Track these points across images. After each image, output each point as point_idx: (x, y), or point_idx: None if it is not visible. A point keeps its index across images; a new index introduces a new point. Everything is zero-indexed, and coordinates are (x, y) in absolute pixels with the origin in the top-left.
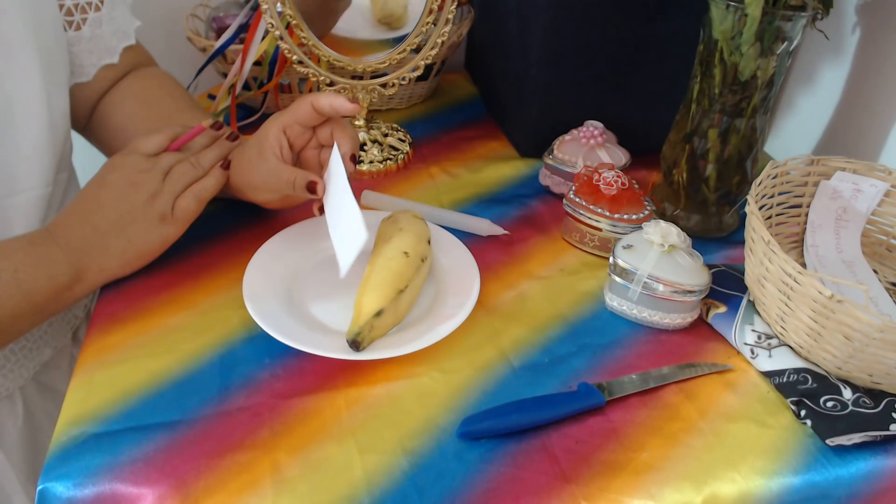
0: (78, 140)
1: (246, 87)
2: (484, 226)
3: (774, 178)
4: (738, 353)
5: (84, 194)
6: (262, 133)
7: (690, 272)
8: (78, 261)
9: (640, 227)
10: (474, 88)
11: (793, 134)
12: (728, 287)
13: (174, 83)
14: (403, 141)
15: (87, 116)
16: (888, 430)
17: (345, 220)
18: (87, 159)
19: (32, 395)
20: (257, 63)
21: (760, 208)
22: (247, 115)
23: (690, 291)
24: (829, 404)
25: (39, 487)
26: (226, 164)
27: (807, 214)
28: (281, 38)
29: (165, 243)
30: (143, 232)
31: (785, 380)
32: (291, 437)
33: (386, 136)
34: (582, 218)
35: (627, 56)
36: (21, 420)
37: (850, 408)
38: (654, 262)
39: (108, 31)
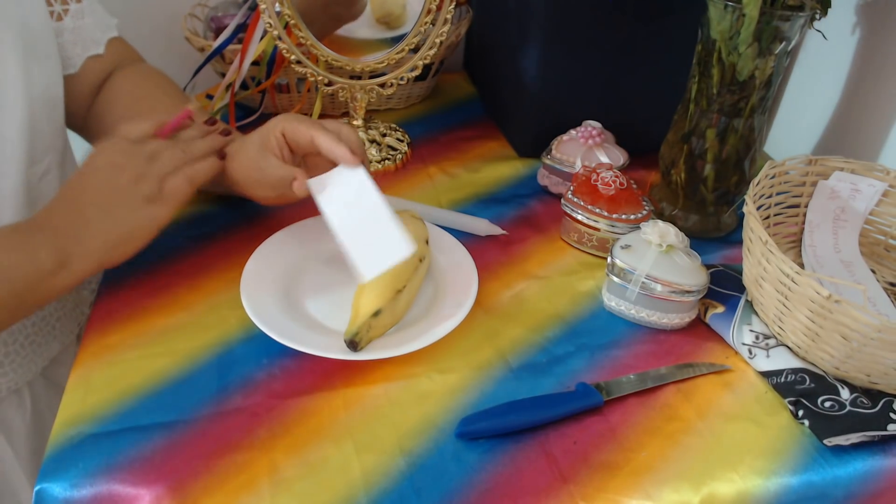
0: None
1: (244, 86)
2: (482, 226)
3: (772, 178)
4: (736, 353)
5: (69, 181)
6: (265, 130)
7: (688, 272)
8: (62, 246)
9: (639, 227)
10: (473, 88)
11: (791, 134)
12: (726, 287)
13: (165, 79)
14: (402, 141)
15: (82, 115)
16: (886, 430)
17: (372, 228)
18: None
19: (40, 391)
20: (255, 63)
21: (758, 208)
22: (245, 115)
23: (688, 291)
24: (827, 404)
25: (37, 488)
26: (221, 155)
27: (805, 214)
28: (279, 38)
29: (153, 226)
30: (129, 215)
31: (783, 380)
32: (289, 437)
33: (384, 135)
34: (580, 218)
35: (626, 56)
36: (29, 415)
37: (848, 408)
38: (652, 263)
39: (91, 22)
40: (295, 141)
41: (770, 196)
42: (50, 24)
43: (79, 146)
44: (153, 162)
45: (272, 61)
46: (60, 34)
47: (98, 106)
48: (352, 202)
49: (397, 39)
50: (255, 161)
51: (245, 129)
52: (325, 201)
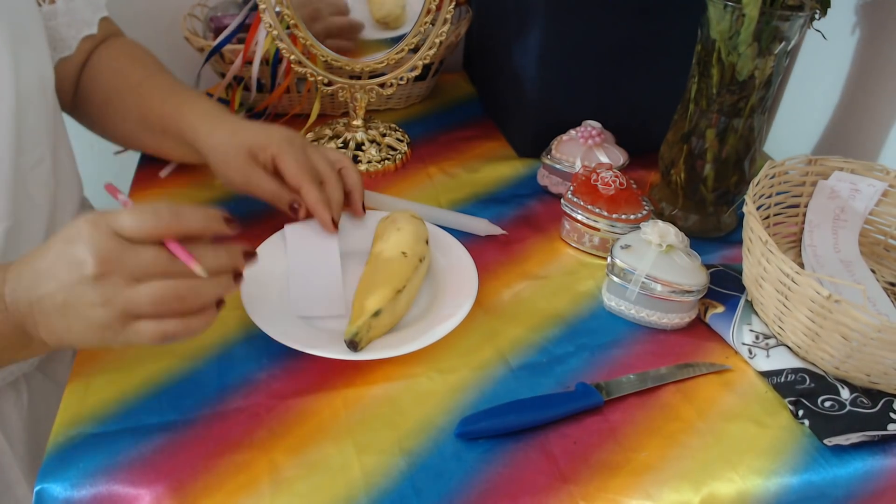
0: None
1: (253, 87)
2: (482, 225)
3: (772, 177)
4: (736, 353)
5: (43, 251)
6: (260, 144)
7: (688, 272)
8: (23, 332)
9: (639, 227)
10: (472, 88)
11: (791, 134)
12: (726, 287)
13: (143, 51)
14: (401, 141)
15: (71, 94)
16: (886, 429)
17: (321, 282)
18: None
19: (37, 387)
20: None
21: (758, 208)
22: (246, 116)
23: (688, 291)
24: (827, 404)
25: (37, 488)
26: (236, 277)
27: (804, 214)
28: (279, 39)
29: (109, 346)
30: (84, 328)
31: (783, 380)
32: (289, 437)
33: (384, 136)
34: (580, 218)
35: (625, 56)
36: (26, 411)
37: (848, 408)
38: (652, 262)
39: (82, 3)
40: (282, 174)
41: (770, 196)
42: (38, 10)
43: (74, 133)
44: (128, 287)
45: (276, 61)
46: (54, 17)
47: (82, 84)
48: (314, 254)
49: (397, 40)
50: (243, 169)
51: None
52: (291, 244)
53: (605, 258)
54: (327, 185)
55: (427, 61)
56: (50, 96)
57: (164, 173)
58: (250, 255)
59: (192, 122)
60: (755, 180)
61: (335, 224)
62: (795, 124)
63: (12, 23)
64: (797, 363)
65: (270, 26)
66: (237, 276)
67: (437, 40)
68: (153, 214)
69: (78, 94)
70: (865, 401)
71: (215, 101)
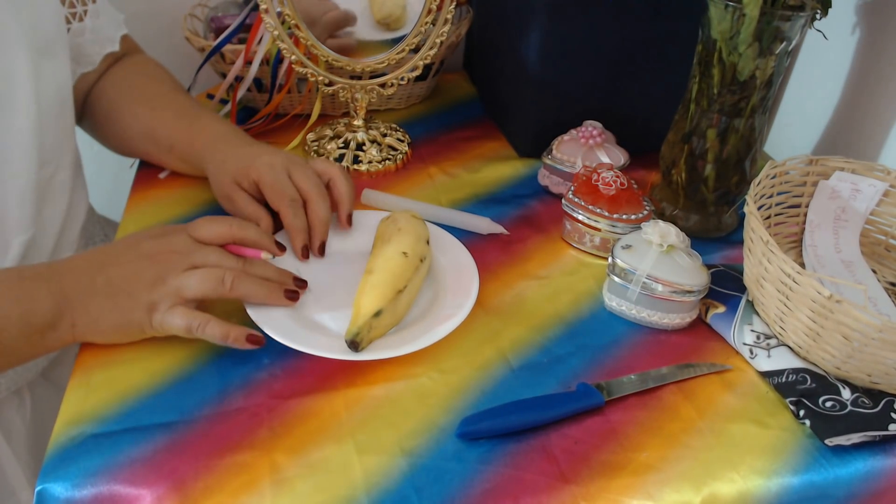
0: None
1: (247, 83)
2: (484, 224)
3: (773, 178)
4: (737, 353)
5: (111, 244)
6: (244, 167)
7: (689, 272)
8: (58, 307)
9: (639, 227)
10: (473, 88)
11: (792, 134)
12: (727, 287)
13: (157, 68)
14: (402, 141)
15: (81, 104)
16: (887, 430)
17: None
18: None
19: (41, 392)
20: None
21: (759, 208)
22: (249, 116)
23: (689, 291)
24: (828, 404)
25: (38, 488)
26: (255, 339)
27: (805, 214)
28: (281, 40)
29: (139, 333)
30: (126, 308)
31: (784, 380)
32: (290, 437)
33: (385, 136)
34: (581, 218)
35: (626, 56)
36: (29, 416)
37: (849, 408)
38: (653, 262)
39: (106, 20)
40: (266, 197)
41: (771, 196)
42: (62, 24)
43: (85, 145)
44: (185, 276)
45: (277, 62)
46: (81, 34)
47: (93, 92)
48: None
49: (398, 40)
50: (229, 195)
51: (250, 131)
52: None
53: (606, 258)
54: (309, 206)
55: (428, 61)
56: (69, 109)
57: (163, 174)
58: (300, 281)
59: (199, 149)
60: (756, 180)
61: (322, 249)
62: (796, 124)
63: (36, 38)
64: (798, 363)
65: (272, 27)
66: (289, 292)
67: (438, 40)
68: (222, 221)
69: (86, 102)
70: (867, 401)
71: (227, 123)
